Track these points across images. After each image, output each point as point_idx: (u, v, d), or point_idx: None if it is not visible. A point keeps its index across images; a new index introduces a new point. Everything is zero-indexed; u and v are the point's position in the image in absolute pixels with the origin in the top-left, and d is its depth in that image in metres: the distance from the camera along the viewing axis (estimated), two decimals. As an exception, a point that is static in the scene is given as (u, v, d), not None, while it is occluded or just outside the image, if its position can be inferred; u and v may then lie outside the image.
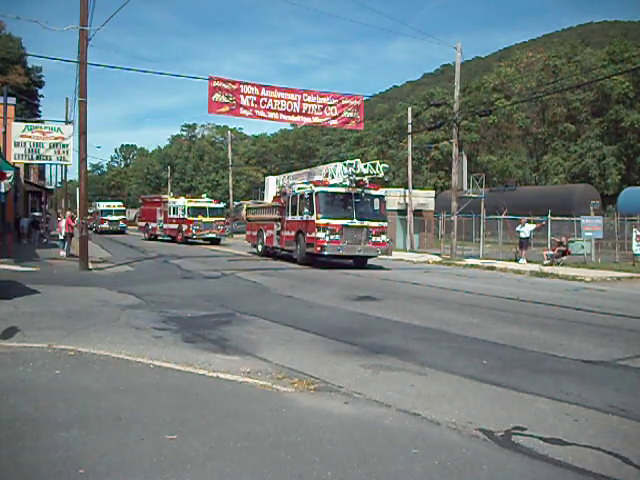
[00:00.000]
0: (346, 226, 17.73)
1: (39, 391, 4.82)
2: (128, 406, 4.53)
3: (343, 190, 18.34)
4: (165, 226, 36.40)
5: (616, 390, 5.59)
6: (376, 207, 18.68)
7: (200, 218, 32.95)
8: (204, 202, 35.33)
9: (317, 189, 18.36)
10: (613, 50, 47.64)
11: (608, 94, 46.63)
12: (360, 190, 18.36)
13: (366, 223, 18.01)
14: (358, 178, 18.51)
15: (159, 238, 37.53)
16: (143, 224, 41.07)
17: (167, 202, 36.72)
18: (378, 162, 18.88)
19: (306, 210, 18.46)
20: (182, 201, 35.05)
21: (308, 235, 18.36)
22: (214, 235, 33.33)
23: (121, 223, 47.68)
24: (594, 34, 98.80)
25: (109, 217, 47.46)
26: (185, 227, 33.25)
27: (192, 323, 8.49)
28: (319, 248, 17.70)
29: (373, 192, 18.79)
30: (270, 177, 27.06)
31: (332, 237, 17.56)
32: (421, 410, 4.71)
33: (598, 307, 11.15)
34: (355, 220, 17.89)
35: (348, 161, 19.46)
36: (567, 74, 45.11)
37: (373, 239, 18.09)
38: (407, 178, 34.09)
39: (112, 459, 3.52)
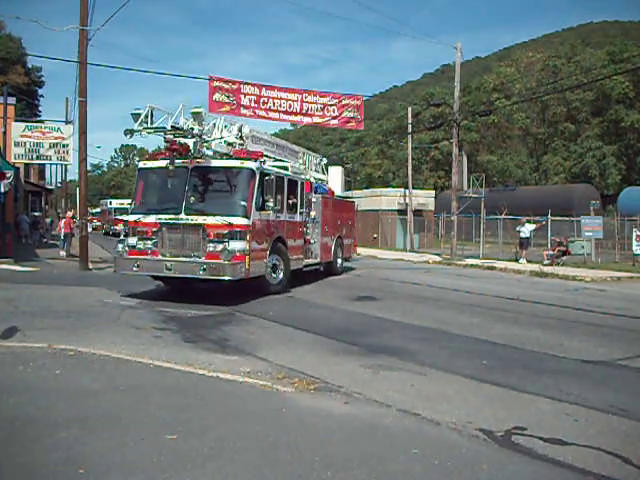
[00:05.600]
0: (167, 225, 10.59)
1: (39, 391, 4.82)
2: (128, 406, 4.53)
3: (167, 164, 10.75)
4: None
5: (616, 390, 5.58)
6: (230, 189, 10.91)
7: None
8: None
9: (140, 165, 12.01)
10: (613, 50, 47.71)
11: (608, 94, 46.69)
12: (203, 162, 10.82)
13: (201, 219, 10.37)
14: (169, 136, 10.78)
15: None
16: None
17: None
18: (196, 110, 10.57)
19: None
20: None
21: None
22: None
23: None
24: (594, 34, 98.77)
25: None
26: None
27: (192, 323, 8.49)
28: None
29: (223, 163, 10.98)
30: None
31: (141, 246, 10.74)
32: (421, 410, 4.71)
33: (598, 307, 11.15)
34: (183, 214, 10.55)
35: (136, 110, 10.79)
36: (567, 74, 45.14)
37: (211, 248, 10.19)
38: (407, 178, 34.10)
39: (112, 459, 3.52)
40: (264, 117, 20.51)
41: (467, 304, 11.23)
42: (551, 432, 4.29)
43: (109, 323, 8.07)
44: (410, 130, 34.79)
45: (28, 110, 46.42)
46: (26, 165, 31.30)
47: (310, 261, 14.09)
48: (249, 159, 10.98)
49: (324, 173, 17.49)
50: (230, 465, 3.51)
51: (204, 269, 10.07)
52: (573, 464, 3.76)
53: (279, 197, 11.60)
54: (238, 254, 10.08)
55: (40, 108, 56.67)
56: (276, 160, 13.33)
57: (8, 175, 16.93)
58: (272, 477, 3.39)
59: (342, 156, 45.87)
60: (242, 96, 19.87)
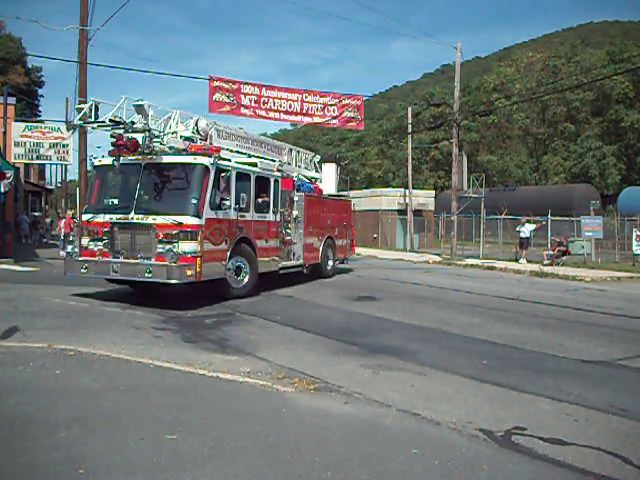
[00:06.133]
0: (117, 225, 10.11)
1: (39, 391, 4.81)
2: (128, 406, 4.53)
3: (113, 160, 10.16)
4: None
5: (616, 390, 5.59)
6: (182, 186, 10.18)
7: None
8: None
9: (95, 163, 11.32)
10: (613, 50, 47.72)
11: (608, 94, 46.72)
12: (156, 159, 10.23)
13: (151, 219, 9.78)
14: (119, 130, 10.14)
15: None
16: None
17: None
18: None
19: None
20: None
21: None
22: None
23: None
24: (594, 34, 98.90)
25: None
26: None
27: (192, 323, 8.48)
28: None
29: (175, 159, 10.30)
30: None
31: (92, 247, 10.37)
32: (421, 410, 4.71)
33: (598, 307, 11.16)
34: (133, 214, 10.00)
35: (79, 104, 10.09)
36: (567, 74, 45.16)
37: (160, 249, 9.63)
38: (407, 178, 34.10)
39: (112, 459, 3.52)
40: (264, 117, 20.52)
41: (467, 304, 11.23)
42: (551, 432, 4.29)
43: (109, 323, 8.07)
44: (410, 130, 34.78)
45: (28, 110, 46.41)
46: (26, 165, 31.32)
47: (289, 263, 13.26)
48: (203, 154, 10.23)
49: (317, 171, 16.82)
50: (230, 465, 3.51)
51: (150, 272, 9.47)
52: (573, 464, 3.76)
53: (243, 195, 10.80)
54: (189, 255, 9.48)
55: (40, 108, 56.70)
56: (250, 156, 12.76)
57: (8, 175, 16.94)
58: (272, 477, 3.39)
59: (341, 155, 45.69)
60: (242, 96, 19.89)
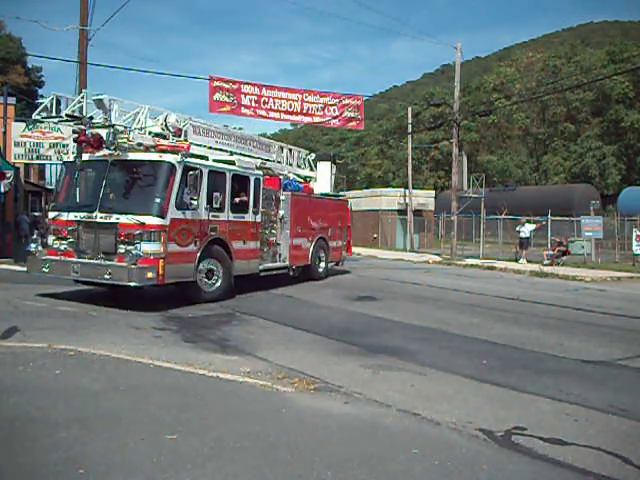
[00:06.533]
0: (81, 224, 9.77)
1: (39, 391, 4.81)
2: (128, 406, 4.53)
3: (75, 157, 10.14)
4: None
5: (616, 390, 5.59)
6: (148, 185, 9.74)
7: None
8: None
9: (64, 159, 11.36)
10: (613, 50, 47.75)
11: (608, 94, 46.73)
12: (122, 155, 9.85)
13: (114, 218, 9.44)
14: (81, 126, 9.84)
15: None
16: None
17: None
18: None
19: None
20: None
21: None
22: None
23: None
24: (594, 34, 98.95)
25: None
26: None
27: (192, 323, 8.48)
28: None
29: (141, 156, 9.90)
30: None
31: (57, 245, 10.07)
32: (421, 410, 4.71)
33: (598, 307, 11.16)
34: (97, 212, 9.64)
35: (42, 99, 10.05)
36: (567, 74, 45.18)
37: (122, 249, 9.33)
38: (407, 178, 34.11)
39: (112, 459, 3.52)
40: (265, 117, 20.52)
41: (467, 304, 11.23)
42: (551, 432, 4.29)
43: (109, 323, 8.07)
44: (410, 130, 34.78)
45: (28, 110, 46.35)
46: (26, 165, 31.25)
47: (272, 265, 12.73)
48: (171, 152, 9.76)
49: (312, 169, 16.31)
50: (230, 465, 3.51)
51: (110, 273, 9.09)
52: (573, 464, 3.76)
53: (217, 194, 10.31)
54: (151, 257, 9.12)
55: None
56: (232, 154, 12.20)
57: (8, 175, 16.94)
58: (272, 477, 3.39)
59: (340, 155, 45.65)
60: (242, 96, 19.86)
